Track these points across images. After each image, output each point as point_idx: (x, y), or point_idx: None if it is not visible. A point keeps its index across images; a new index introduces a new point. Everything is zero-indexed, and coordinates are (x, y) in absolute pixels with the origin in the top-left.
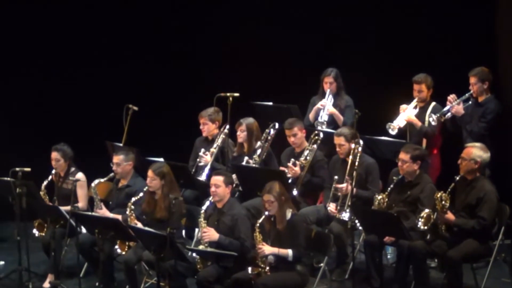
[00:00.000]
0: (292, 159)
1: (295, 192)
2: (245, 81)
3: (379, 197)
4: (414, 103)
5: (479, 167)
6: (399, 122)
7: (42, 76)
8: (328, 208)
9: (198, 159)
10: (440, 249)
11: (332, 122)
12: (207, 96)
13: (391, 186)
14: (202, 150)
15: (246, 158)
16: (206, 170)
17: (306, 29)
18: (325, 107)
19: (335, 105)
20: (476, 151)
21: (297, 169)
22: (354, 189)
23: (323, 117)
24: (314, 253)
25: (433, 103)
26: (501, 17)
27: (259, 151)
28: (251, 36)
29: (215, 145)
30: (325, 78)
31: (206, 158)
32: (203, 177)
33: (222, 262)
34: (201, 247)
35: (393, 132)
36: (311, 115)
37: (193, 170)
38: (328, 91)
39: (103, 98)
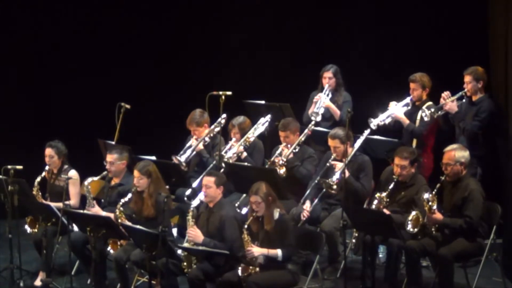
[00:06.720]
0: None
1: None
2: (237, 80)
3: (379, 196)
4: (405, 101)
5: (465, 167)
6: (383, 118)
7: (35, 74)
8: (304, 206)
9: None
10: (432, 248)
11: (330, 118)
12: (199, 95)
13: (391, 186)
14: (194, 136)
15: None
16: (188, 152)
17: (300, 26)
18: (320, 100)
19: (332, 101)
20: (458, 153)
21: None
22: (347, 172)
23: (319, 109)
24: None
25: (429, 103)
26: (494, 17)
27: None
28: (244, 34)
29: (207, 136)
30: (324, 73)
31: (194, 141)
32: (182, 158)
33: (213, 260)
34: (185, 244)
35: (374, 127)
36: (310, 110)
37: (181, 152)
38: (326, 86)
39: (96, 96)
